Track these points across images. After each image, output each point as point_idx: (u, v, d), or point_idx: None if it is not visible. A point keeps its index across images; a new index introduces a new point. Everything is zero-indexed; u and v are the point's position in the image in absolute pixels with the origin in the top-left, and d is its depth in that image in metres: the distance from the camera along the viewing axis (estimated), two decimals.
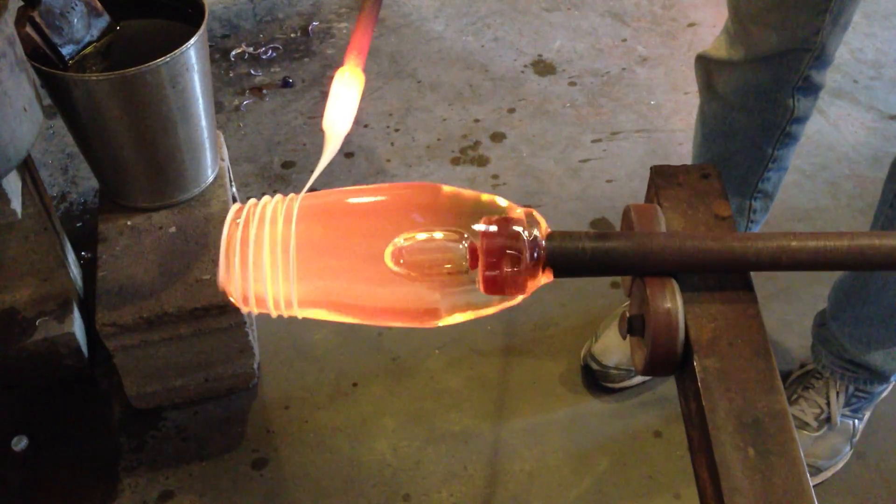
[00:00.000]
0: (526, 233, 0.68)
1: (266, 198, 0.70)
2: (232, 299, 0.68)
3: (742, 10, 1.31)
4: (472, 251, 0.68)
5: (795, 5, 1.24)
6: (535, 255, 0.68)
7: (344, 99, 0.79)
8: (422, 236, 0.68)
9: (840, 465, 1.55)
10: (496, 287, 0.68)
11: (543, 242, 0.69)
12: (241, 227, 0.68)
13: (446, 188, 0.71)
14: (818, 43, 1.28)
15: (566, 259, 0.69)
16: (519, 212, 0.70)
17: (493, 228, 0.68)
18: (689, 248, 0.70)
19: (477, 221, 0.69)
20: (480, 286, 0.68)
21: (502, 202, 0.71)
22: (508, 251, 0.67)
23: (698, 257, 0.70)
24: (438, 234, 0.69)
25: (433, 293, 0.69)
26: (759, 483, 0.61)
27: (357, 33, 0.84)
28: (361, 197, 0.71)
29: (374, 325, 0.73)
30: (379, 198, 0.73)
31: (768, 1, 1.26)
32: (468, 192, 0.72)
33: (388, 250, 0.68)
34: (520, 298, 0.70)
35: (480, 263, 0.67)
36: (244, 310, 0.70)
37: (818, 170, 2.07)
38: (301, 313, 0.70)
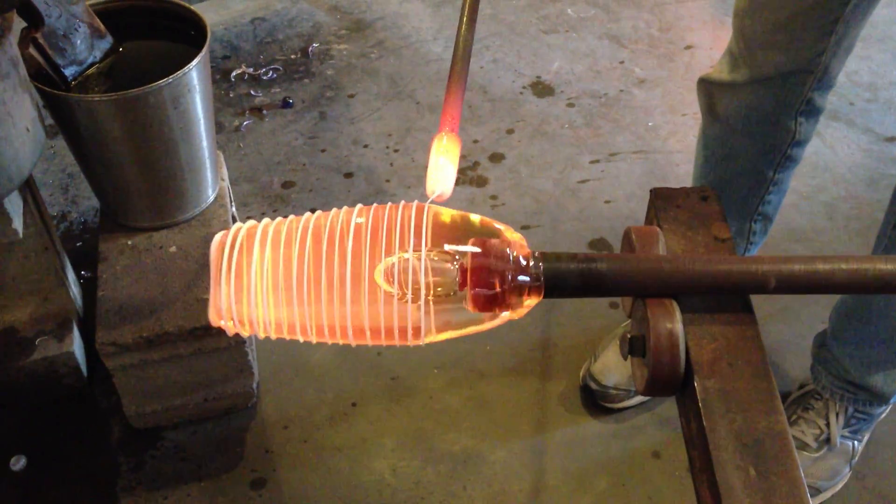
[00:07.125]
0: (514, 253, 0.69)
1: (251, 221, 0.72)
2: (221, 323, 0.70)
3: (748, 31, 1.31)
4: (463, 271, 0.69)
5: (803, 26, 1.26)
6: (524, 275, 0.69)
7: (443, 165, 0.83)
8: (413, 256, 0.69)
9: (839, 486, 1.55)
10: (484, 305, 0.69)
11: (532, 263, 0.70)
12: (236, 250, 0.70)
13: (438, 209, 0.73)
14: (822, 65, 1.30)
15: (555, 280, 0.70)
16: (510, 234, 0.72)
17: (482, 249, 0.69)
18: (688, 271, 0.70)
19: (467, 242, 0.70)
20: (469, 304, 0.69)
21: (496, 224, 0.73)
22: (496, 270, 0.68)
23: (697, 280, 0.71)
24: (430, 254, 0.70)
25: (423, 311, 0.70)
26: (761, 503, 0.61)
27: (449, 97, 0.86)
28: (354, 217, 0.72)
29: (363, 344, 0.74)
30: (371, 218, 0.74)
31: (776, 21, 1.27)
32: (460, 214, 0.73)
33: (379, 269, 0.69)
34: (509, 316, 0.71)
35: (469, 282, 0.68)
36: (230, 332, 0.71)
37: (815, 191, 2.09)
38: (290, 336, 0.71)
